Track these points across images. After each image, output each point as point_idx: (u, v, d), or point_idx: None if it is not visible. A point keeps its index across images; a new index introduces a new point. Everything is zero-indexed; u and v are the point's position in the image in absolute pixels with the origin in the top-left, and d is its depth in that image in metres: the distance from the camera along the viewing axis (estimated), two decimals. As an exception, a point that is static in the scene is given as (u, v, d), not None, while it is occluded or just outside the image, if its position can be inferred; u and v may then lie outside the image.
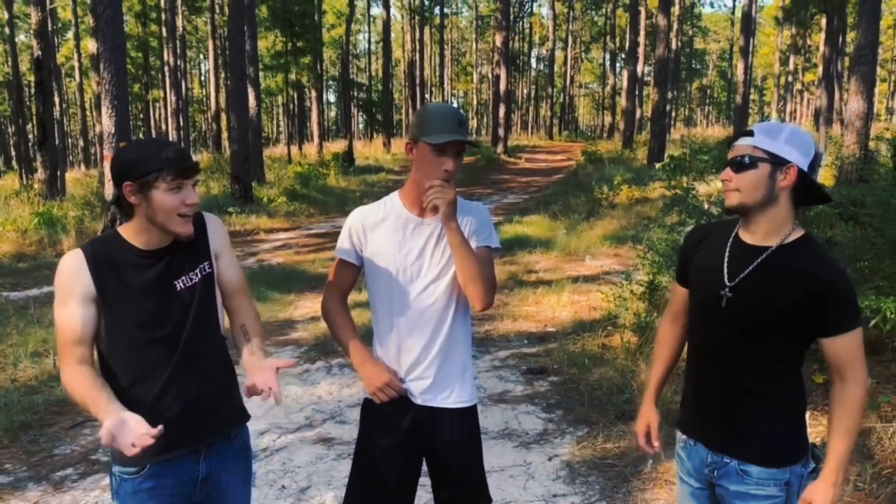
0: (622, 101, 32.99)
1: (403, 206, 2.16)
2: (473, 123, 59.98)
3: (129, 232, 1.86)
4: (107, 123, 10.60)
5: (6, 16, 23.22)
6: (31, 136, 27.35)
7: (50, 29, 18.06)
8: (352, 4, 34.00)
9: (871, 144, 10.70)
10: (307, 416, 4.56)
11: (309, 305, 7.49)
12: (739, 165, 1.79)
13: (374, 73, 50.95)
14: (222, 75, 31.38)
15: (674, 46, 30.51)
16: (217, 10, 32.51)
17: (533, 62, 61.32)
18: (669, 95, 30.08)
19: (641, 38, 33.43)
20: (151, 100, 36.50)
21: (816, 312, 1.73)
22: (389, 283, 2.13)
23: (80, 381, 1.75)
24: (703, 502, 2.00)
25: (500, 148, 29.04)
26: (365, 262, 2.18)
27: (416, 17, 42.69)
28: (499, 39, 29.14)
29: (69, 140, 45.99)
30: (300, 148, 31.38)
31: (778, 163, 1.75)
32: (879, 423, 3.64)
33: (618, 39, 46.38)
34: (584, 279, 8.04)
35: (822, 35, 28.35)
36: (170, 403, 1.85)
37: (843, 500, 3.11)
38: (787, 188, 1.77)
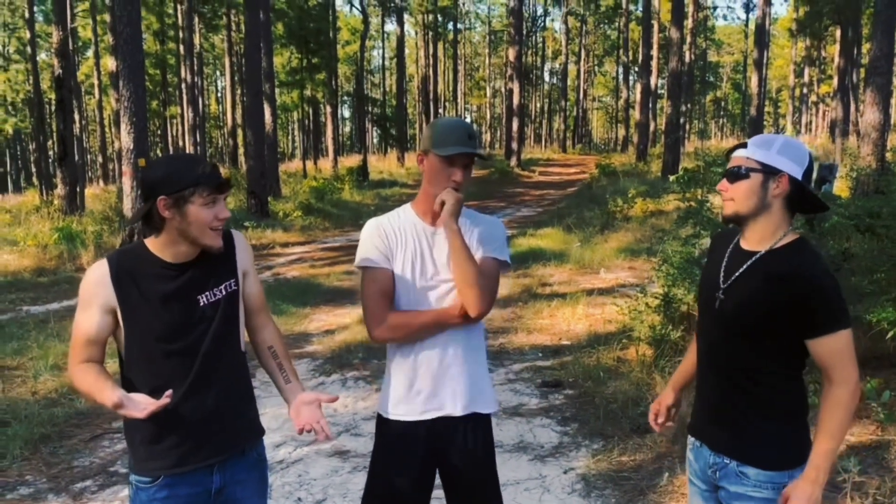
0: (636, 114, 32.97)
1: (417, 216, 2.19)
2: (487, 137, 60.15)
3: (157, 245, 1.89)
4: (126, 140, 10.79)
5: (28, 35, 23.71)
6: (51, 153, 27.82)
7: (70, 47, 18.39)
8: (366, 21, 34.34)
9: (888, 156, 10.61)
10: (323, 428, 4.57)
11: (324, 318, 7.53)
12: (734, 176, 1.87)
13: (388, 89, 51.31)
14: (238, 92, 31.74)
15: (687, 59, 30.48)
16: (233, 28, 32.97)
17: (546, 76, 61.52)
18: (683, 108, 30.04)
19: (654, 52, 33.49)
20: (169, 116, 36.91)
21: (800, 314, 1.77)
22: (406, 293, 2.15)
23: (86, 373, 1.83)
24: None
25: (513, 161, 29.09)
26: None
27: (430, 33, 43.03)
28: (512, 54, 29.28)
29: (88, 156, 46.61)
30: (315, 163, 31.62)
31: (770, 172, 1.82)
32: (899, 436, 3.61)
33: (631, 53, 46.42)
34: (598, 292, 8.02)
35: (837, 46, 28.24)
36: (185, 416, 1.87)
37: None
38: (780, 196, 1.84)
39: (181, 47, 32.18)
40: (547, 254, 10.66)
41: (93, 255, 10.82)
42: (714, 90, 66.83)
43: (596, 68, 60.20)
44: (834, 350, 1.77)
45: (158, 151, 37.99)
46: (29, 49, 25.96)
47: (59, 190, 15.81)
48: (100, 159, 35.88)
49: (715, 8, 57.52)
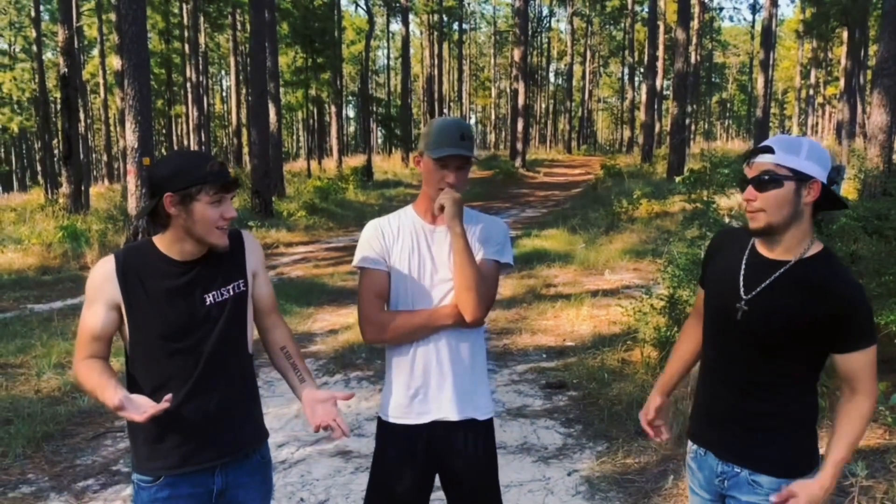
0: (641, 115, 32.93)
1: (417, 216, 2.18)
2: (492, 138, 60.14)
3: (164, 242, 1.88)
4: (130, 138, 10.79)
5: (34, 34, 23.77)
6: (56, 152, 27.86)
7: (76, 46, 18.43)
8: (371, 21, 34.36)
9: (895, 158, 10.56)
10: (325, 428, 4.55)
11: (328, 318, 7.52)
12: (764, 184, 1.75)
13: (392, 89, 51.37)
14: (243, 91, 31.80)
15: (693, 60, 30.44)
16: (238, 27, 33.02)
17: (551, 77, 61.44)
18: (689, 109, 29.96)
19: (660, 53, 33.39)
20: (174, 115, 37.04)
21: (832, 330, 1.72)
22: (406, 293, 2.13)
23: (90, 370, 1.81)
24: None
25: (518, 162, 29.05)
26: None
27: (435, 33, 43.02)
28: (517, 54, 29.26)
29: (93, 155, 46.74)
30: (319, 162, 31.65)
31: (802, 179, 1.74)
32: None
33: (636, 54, 46.35)
34: (603, 293, 7.99)
35: (844, 48, 28.15)
36: (188, 416, 1.86)
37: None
38: (811, 204, 1.76)
39: (186, 46, 32.24)
40: (551, 255, 10.63)
41: (97, 254, 10.83)
42: (720, 91, 66.70)
43: (601, 69, 60.13)
44: (863, 365, 1.74)
45: (163, 150, 38.02)
46: (35, 48, 26.04)
47: (64, 188, 15.85)
48: (105, 158, 35.96)
49: (721, 9, 57.51)
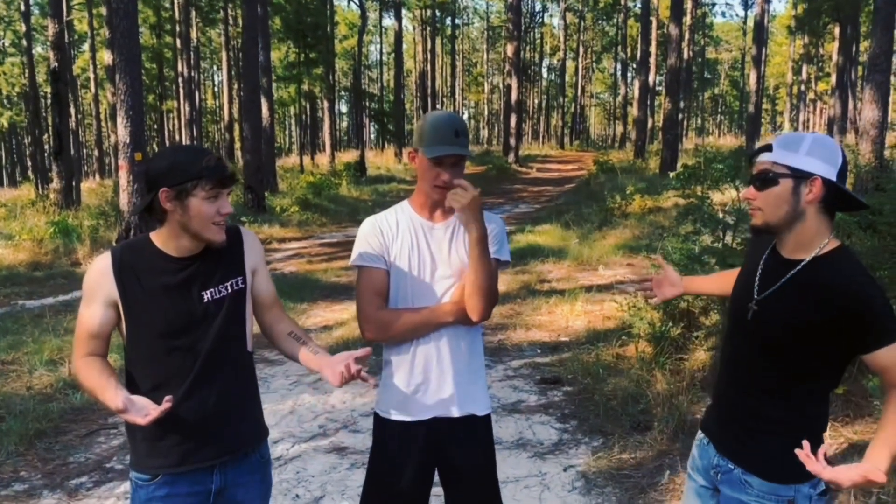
0: (634, 111, 32.96)
1: (414, 212, 2.16)
2: (485, 133, 60.09)
3: (160, 238, 1.86)
4: (122, 133, 10.72)
5: (24, 28, 23.56)
6: (46, 147, 27.65)
7: (66, 41, 18.28)
8: (364, 16, 34.23)
9: (887, 153, 10.60)
10: (321, 424, 4.55)
11: (322, 314, 7.49)
12: (762, 182, 1.73)
13: (385, 84, 51.19)
14: (235, 86, 31.63)
15: (685, 56, 30.44)
16: (231, 22, 32.83)
17: (544, 72, 61.43)
18: (681, 105, 30.03)
19: (653, 48, 33.43)
20: (166, 110, 36.79)
21: (849, 330, 1.65)
22: (406, 290, 2.12)
23: (89, 369, 1.79)
24: (706, 501, 1.98)
25: (511, 157, 29.05)
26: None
27: (428, 28, 42.92)
28: (510, 49, 29.22)
29: (84, 150, 46.43)
30: (312, 158, 31.55)
31: (800, 177, 1.69)
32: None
33: (629, 49, 46.37)
34: (597, 289, 8.00)
35: (836, 44, 28.25)
36: (187, 415, 1.84)
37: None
38: (814, 202, 1.70)
39: (178, 41, 32.03)
40: (545, 250, 10.63)
41: (89, 250, 10.77)
42: (712, 87, 66.86)
43: (594, 65, 60.14)
44: (894, 359, 1.65)
45: (155, 146, 37.84)
46: (24, 42, 25.81)
47: (55, 184, 15.73)
48: (96, 153, 35.68)
49: (713, 4, 57.62)
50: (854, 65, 30.11)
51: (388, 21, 48.13)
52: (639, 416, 4.44)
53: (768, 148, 1.75)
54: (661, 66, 37.68)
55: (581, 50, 52.30)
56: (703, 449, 1.99)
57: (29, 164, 41.29)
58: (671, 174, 10.84)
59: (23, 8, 24.68)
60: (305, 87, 27.29)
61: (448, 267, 2.11)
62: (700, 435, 2.03)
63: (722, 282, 2.15)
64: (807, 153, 1.69)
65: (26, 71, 27.66)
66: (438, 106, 49.87)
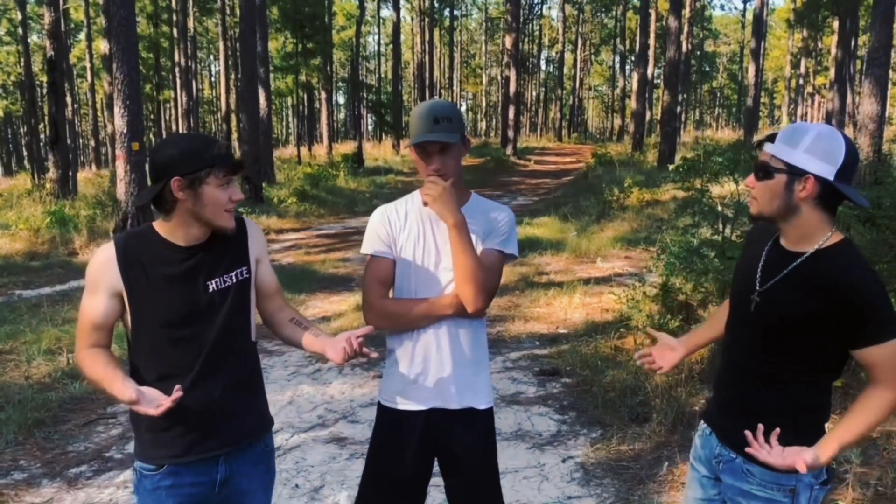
0: (632, 104, 32.91)
1: (423, 203, 2.14)
2: (482, 125, 59.99)
3: (166, 228, 1.84)
4: (119, 123, 10.65)
5: (20, 16, 23.41)
6: (42, 136, 27.53)
7: (62, 29, 18.16)
8: (362, 6, 34.08)
9: (885, 147, 10.63)
10: (320, 415, 4.55)
11: (320, 305, 7.49)
12: (761, 173, 1.75)
13: (383, 75, 51.06)
14: (232, 76, 31.50)
15: (684, 49, 30.39)
16: (228, 12, 32.65)
17: (542, 64, 61.29)
18: (680, 98, 29.98)
19: (652, 41, 33.37)
20: (162, 100, 36.67)
21: (842, 323, 1.65)
22: (409, 281, 2.12)
23: (94, 361, 1.79)
24: (708, 490, 1.98)
25: (509, 150, 29.01)
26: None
27: (426, 19, 42.73)
28: (509, 41, 29.13)
29: (80, 140, 46.26)
30: (310, 149, 31.47)
31: (795, 174, 1.68)
32: (899, 427, 3.60)
33: (628, 42, 46.27)
34: (595, 281, 8.00)
35: (835, 38, 28.19)
36: (192, 405, 1.83)
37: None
38: (808, 199, 1.69)
39: (175, 30, 31.87)
40: (543, 243, 10.63)
41: (86, 240, 10.73)
42: (710, 80, 66.79)
43: (592, 57, 60.04)
44: (886, 359, 1.65)
45: (152, 136, 37.71)
46: (20, 31, 25.64)
47: (51, 174, 15.64)
48: (92, 143, 35.59)
49: (712, -3, 57.35)
50: (853, 59, 30.09)
51: (387, 12, 47.99)
52: (637, 407, 4.45)
53: (773, 138, 1.75)
54: (659, 58, 37.64)
55: (580, 42, 52.18)
56: (706, 439, 2.00)
57: (25, 153, 41.15)
58: (670, 167, 10.85)
59: (18, -4, 24.50)
60: (303, 77, 27.19)
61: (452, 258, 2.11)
62: (702, 425, 2.04)
63: (717, 324, 2.12)
64: (805, 150, 1.67)
65: (22, 60, 27.51)
66: (436, 97, 49.75)
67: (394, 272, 2.13)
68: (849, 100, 27.65)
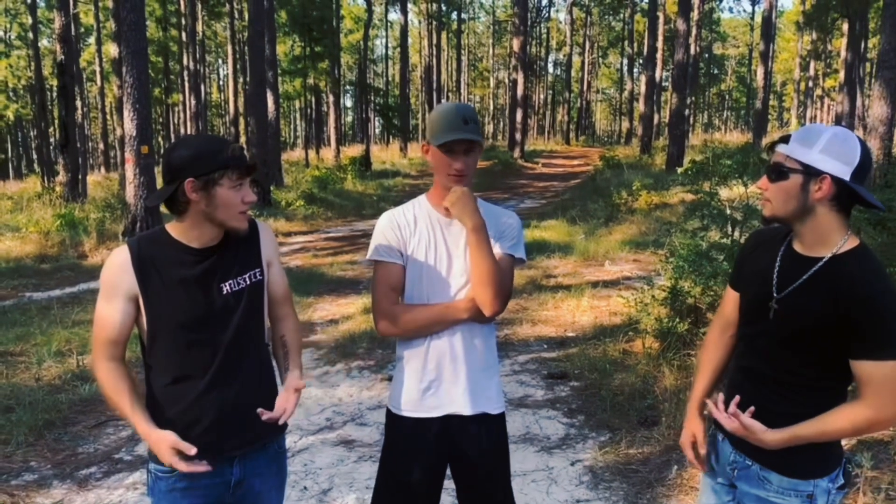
0: (640, 107, 32.87)
1: (432, 207, 2.14)
2: (490, 128, 59.97)
3: (179, 229, 1.84)
4: (128, 126, 10.72)
5: (30, 21, 23.58)
6: (52, 140, 27.73)
7: (72, 33, 18.27)
8: (370, 9, 34.17)
9: (895, 150, 10.56)
10: (328, 417, 4.56)
11: (328, 308, 7.50)
12: (774, 174, 1.72)
13: (391, 78, 51.17)
14: (241, 80, 31.64)
15: (692, 51, 30.33)
16: (236, 16, 32.80)
17: (550, 67, 61.25)
18: (688, 101, 29.91)
19: (660, 44, 33.29)
20: (171, 104, 36.82)
21: (847, 331, 1.62)
22: (421, 286, 2.10)
23: (110, 381, 1.82)
24: (722, 497, 1.96)
25: (517, 152, 29.00)
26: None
27: (434, 23, 42.78)
28: (516, 44, 29.14)
29: (90, 143, 46.52)
30: (317, 152, 31.55)
31: (811, 174, 1.66)
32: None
33: (635, 45, 46.21)
34: (603, 284, 7.98)
35: (844, 40, 28.09)
36: (208, 407, 1.84)
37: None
38: (823, 200, 1.66)
39: (183, 34, 32.03)
40: (551, 245, 10.62)
41: (95, 243, 10.79)
42: (719, 83, 66.60)
43: (600, 60, 59.95)
44: (878, 377, 1.60)
45: (161, 139, 37.90)
46: (31, 35, 25.85)
47: (61, 177, 15.74)
48: (101, 146, 35.78)
49: (721, 0, 57.19)
50: (863, 61, 29.96)
51: (394, 15, 48.12)
52: (646, 411, 4.44)
53: (786, 139, 1.73)
54: (667, 61, 37.54)
55: (587, 45, 52.11)
56: (719, 446, 1.97)
57: (35, 156, 41.42)
58: (678, 170, 10.81)
59: (29, 0, 24.71)
60: (311, 81, 27.27)
61: (464, 263, 2.09)
62: (713, 431, 2.01)
63: (714, 366, 2.06)
64: (821, 150, 1.65)
65: (32, 64, 27.73)
66: (444, 100, 49.79)
67: (404, 278, 2.11)
68: (858, 102, 27.51)
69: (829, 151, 1.65)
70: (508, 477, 2.23)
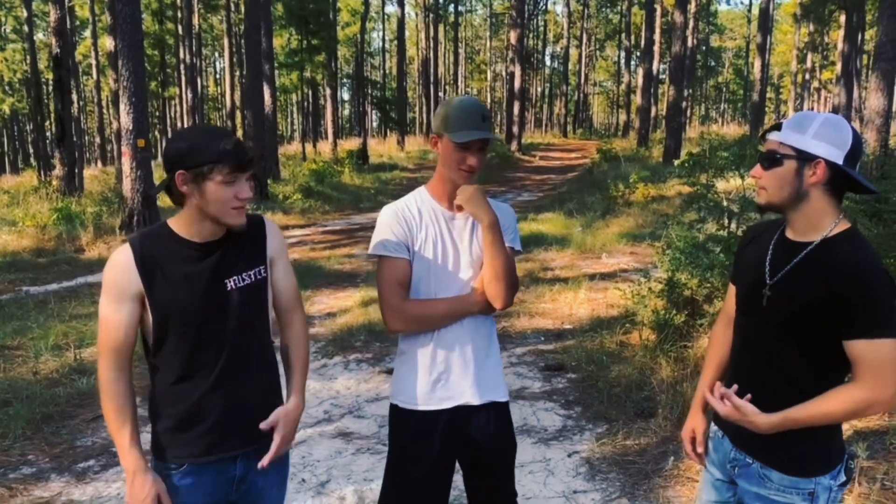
0: (637, 99, 32.82)
1: (434, 200, 2.13)
2: (487, 121, 59.76)
3: (180, 224, 1.81)
4: (125, 120, 10.69)
5: (25, 14, 23.46)
6: (48, 133, 27.63)
7: (68, 27, 18.18)
8: (366, 2, 34.06)
9: (892, 141, 10.57)
10: (326, 410, 4.57)
11: (326, 301, 7.51)
12: (767, 162, 1.73)
13: (388, 71, 51.01)
14: (237, 73, 31.55)
15: (690, 44, 30.27)
16: (233, 8, 32.68)
17: (547, 60, 61.20)
18: (685, 93, 29.88)
19: (657, 36, 33.24)
20: (168, 97, 36.70)
21: (837, 312, 1.61)
22: (428, 281, 2.09)
23: (115, 403, 1.80)
24: (723, 493, 1.97)
25: (514, 145, 28.97)
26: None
27: (431, 15, 42.68)
28: (513, 37, 29.05)
29: (86, 137, 46.37)
30: (314, 145, 31.48)
31: (805, 159, 1.67)
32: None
33: (633, 37, 46.11)
34: (600, 277, 8.00)
35: (841, 32, 28.03)
36: (213, 406, 1.83)
37: (870, 499, 3.06)
38: (818, 184, 1.68)
39: (180, 27, 31.92)
40: (548, 238, 10.63)
41: (92, 236, 10.77)
42: (716, 76, 66.53)
43: (597, 52, 59.88)
44: (872, 357, 1.59)
45: (157, 133, 37.81)
46: (26, 28, 25.72)
47: (58, 171, 15.70)
48: (98, 140, 35.65)
49: (718, -8, 57.06)
50: (860, 53, 29.96)
51: (391, 8, 47.93)
52: (643, 402, 4.45)
53: (778, 127, 1.74)
54: (664, 54, 37.49)
55: (585, 38, 52.04)
56: (718, 442, 1.96)
57: (31, 150, 41.28)
58: (675, 162, 10.83)
59: (24, -7, 24.56)
60: (308, 74, 27.16)
61: (470, 256, 2.10)
62: (713, 428, 1.99)
63: (718, 365, 2.05)
64: (814, 135, 1.67)
65: (28, 57, 27.58)
66: (441, 94, 49.67)
67: (410, 273, 2.08)
68: (855, 94, 27.51)
69: (822, 136, 1.67)
70: (513, 461, 2.25)
